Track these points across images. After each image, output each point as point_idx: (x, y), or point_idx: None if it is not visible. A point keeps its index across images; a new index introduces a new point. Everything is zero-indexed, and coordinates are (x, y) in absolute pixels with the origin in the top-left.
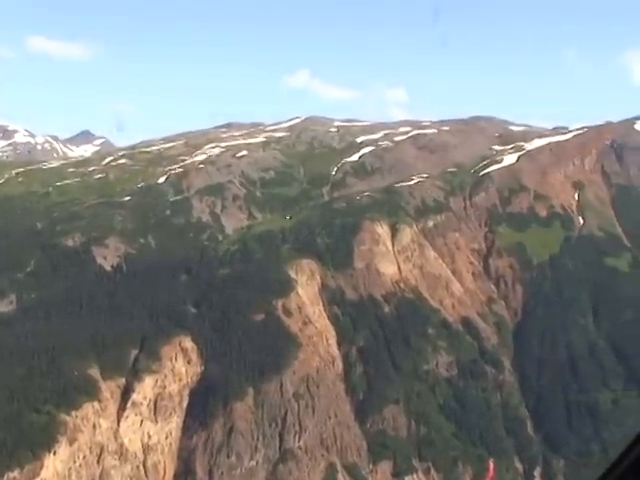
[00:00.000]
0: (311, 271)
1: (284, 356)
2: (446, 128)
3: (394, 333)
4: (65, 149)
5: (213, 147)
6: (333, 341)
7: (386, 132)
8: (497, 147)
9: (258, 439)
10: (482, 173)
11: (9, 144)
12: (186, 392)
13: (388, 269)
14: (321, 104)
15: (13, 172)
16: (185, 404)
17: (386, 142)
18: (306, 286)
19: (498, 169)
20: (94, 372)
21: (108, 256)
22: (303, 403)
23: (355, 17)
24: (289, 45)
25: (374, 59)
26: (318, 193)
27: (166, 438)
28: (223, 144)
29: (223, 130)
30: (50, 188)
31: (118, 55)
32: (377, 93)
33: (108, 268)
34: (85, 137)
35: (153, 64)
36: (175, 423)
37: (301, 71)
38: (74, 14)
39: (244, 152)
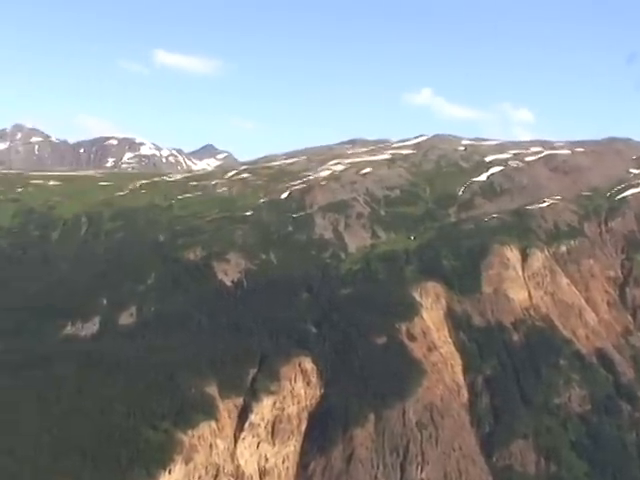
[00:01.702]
0: (436, 294)
1: (407, 382)
2: (580, 149)
3: (523, 363)
4: (189, 162)
5: (337, 163)
6: (459, 369)
7: (516, 152)
8: (634, 170)
9: (378, 468)
10: (618, 197)
11: (135, 156)
12: (305, 415)
13: (518, 295)
14: (444, 123)
15: (137, 184)
16: (303, 427)
17: (516, 162)
18: (431, 310)
19: (636, 193)
20: (212, 390)
21: (229, 271)
22: (426, 433)
23: (474, 34)
24: (412, 63)
25: (496, 78)
26: (444, 213)
27: (283, 462)
28: (347, 160)
29: (347, 146)
30: (173, 201)
31: (243, 70)
32: (501, 113)
33: (228, 283)
34: (208, 151)
35: (277, 80)
36: (293, 447)
37: (424, 89)
38: (201, 29)
39: (369, 169)
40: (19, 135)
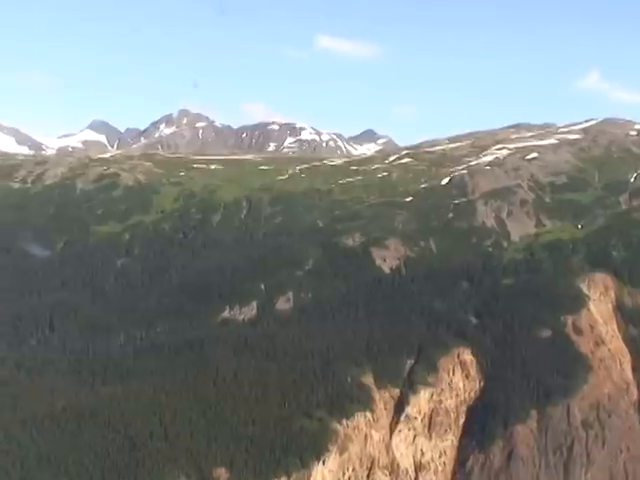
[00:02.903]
0: (605, 286)
1: (572, 379)
2: None
3: None
4: (349, 147)
5: (501, 148)
6: (627, 366)
7: None
8: None
9: (540, 467)
10: None
11: (296, 141)
12: (463, 409)
13: None
14: (612, 107)
15: (297, 168)
16: (461, 422)
17: None
18: (599, 302)
19: None
20: (368, 380)
21: (387, 258)
22: (592, 433)
23: None
24: (578, 46)
25: None
26: (614, 201)
27: (440, 457)
28: (511, 145)
29: (512, 131)
30: (332, 185)
31: (406, 54)
32: None
33: (387, 271)
34: (369, 136)
35: (439, 64)
36: (450, 441)
37: (591, 73)
38: (361, 13)
39: (534, 154)
40: (185, 120)
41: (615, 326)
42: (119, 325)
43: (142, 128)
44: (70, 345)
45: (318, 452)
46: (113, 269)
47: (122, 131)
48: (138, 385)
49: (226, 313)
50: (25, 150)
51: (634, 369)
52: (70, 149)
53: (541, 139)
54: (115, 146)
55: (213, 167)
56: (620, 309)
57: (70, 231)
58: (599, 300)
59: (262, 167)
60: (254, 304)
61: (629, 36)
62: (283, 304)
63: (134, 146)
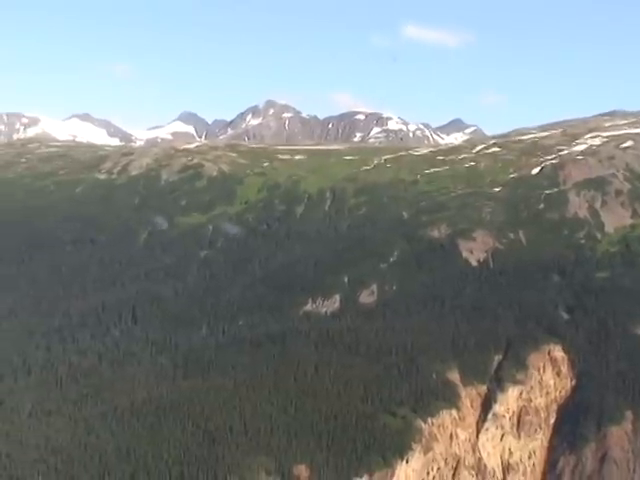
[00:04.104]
0: None
1: None
2: None
3: None
4: (436, 137)
5: (594, 137)
6: None
7: None
8: None
9: (635, 471)
10: None
11: (382, 130)
12: (553, 408)
13: None
14: None
15: (382, 158)
16: (552, 421)
17: None
18: None
19: None
20: (454, 376)
21: (475, 250)
22: None
23: None
24: None
25: None
26: None
27: (529, 457)
28: (605, 134)
29: (606, 118)
30: (418, 176)
31: (495, 43)
32: None
33: (474, 263)
34: (456, 125)
35: (529, 53)
36: (540, 441)
37: None
38: (449, 2)
39: (629, 142)
40: (271, 111)
41: None
42: (201, 317)
43: (229, 119)
44: (152, 337)
45: (401, 451)
46: (196, 260)
47: (210, 122)
48: (219, 378)
49: (309, 306)
50: (116, 142)
51: None
52: (159, 140)
53: (637, 127)
54: (203, 137)
55: (297, 157)
56: None
57: (153, 222)
58: None
59: (346, 157)
60: (337, 297)
61: None
62: (367, 297)
63: (221, 137)
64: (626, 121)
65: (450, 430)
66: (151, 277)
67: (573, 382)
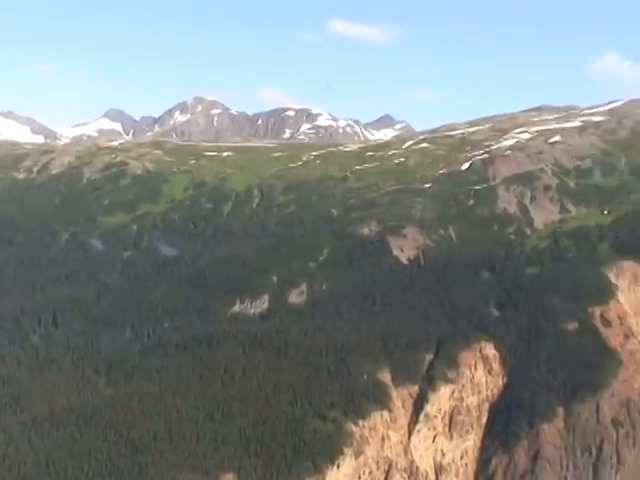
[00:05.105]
0: (634, 275)
1: (601, 374)
2: None
3: None
4: (366, 133)
5: (522, 132)
6: None
7: None
8: None
9: (568, 469)
10: None
11: (312, 127)
12: (485, 406)
13: None
14: (632, 88)
15: (311, 155)
16: (484, 420)
17: None
18: (628, 292)
19: None
20: (385, 377)
21: (405, 247)
22: (623, 432)
23: None
24: (595, 26)
25: None
26: None
27: (461, 458)
28: (534, 129)
29: (533, 114)
30: (348, 172)
31: (423, 39)
32: None
33: (404, 261)
34: (386, 121)
35: (457, 49)
36: (472, 441)
37: (609, 53)
38: None
39: (557, 137)
40: (199, 107)
41: None
42: (125, 320)
43: (157, 116)
44: (73, 341)
45: (332, 455)
46: (120, 261)
47: (137, 119)
48: (143, 384)
49: (236, 307)
50: (40, 139)
51: None
52: (85, 138)
53: (564, 122)
54: (130, 134)
55: (225, 154)
56: None
57: (75, 222)
58: (628, 290)
59: (275, 154)
60: (265, 297)
61: None
62: (296, 297)
63: (148, 134)
64: (554, 116)
65: (382, 432)
66: (72, 279)
67: (505, 380)
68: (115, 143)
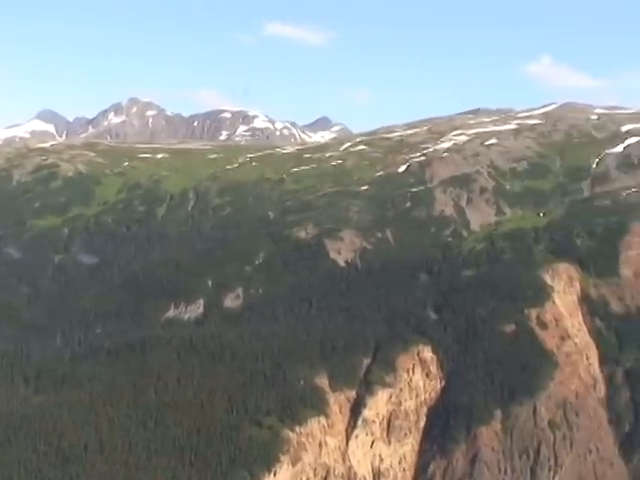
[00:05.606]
0: (569, 277)
1: (538, 376)
2: None
3: None
4: (303, 135)
5: (459, 134)
6: (595, 360)
7: None
8: None
9: (506, 472)
10: None
11: (249, 129)
12: (423, 410)
13: None
14: (566, 91)
15: (247, 157)
16: (422, 424)
17: None
18: (563, 294)
19: None
20: (322, 382)
21: (342, 250)
22: (560, 433)
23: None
24: (529, 30)
25: (617, 46)
26: (576, 188)
27: (399, 463)
28: (470, 131)
29: (470, 117)
30: (284, 175)
31: (359, 40)
32: (625, 81)
33: (341, 264)
34: (323, 124)
35: (392, 50)
36: (410, 446)
37: (543, 57)
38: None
39: (493, 140)
40: (134, 109)
41: (581, 319)
42: (55, 326)
43: (91, 117)
44: (2, 348)
45: (269, 463)
46: (50, 265)
47: (71, 121)
48: (74, 392)
49: (171, 312)
50: None
51: (601, 364)
52: (17, 139)
53: (500, 125)
54: (64, 136)
55: (159, 156)
56: (585, 301)
57: (5, 225)
58: (563, 292)
59: (211, 156)
60: (201, 302)
61: (575, 19)
62: (232, 301)
63: (82, 135)
64: (490, 119)
65: (319, 438)
66: (1, 283)
67: (442, 383)
68: (46, 145)
